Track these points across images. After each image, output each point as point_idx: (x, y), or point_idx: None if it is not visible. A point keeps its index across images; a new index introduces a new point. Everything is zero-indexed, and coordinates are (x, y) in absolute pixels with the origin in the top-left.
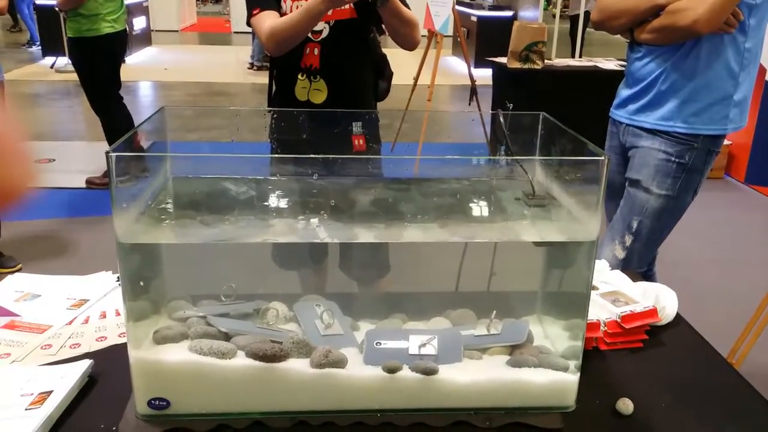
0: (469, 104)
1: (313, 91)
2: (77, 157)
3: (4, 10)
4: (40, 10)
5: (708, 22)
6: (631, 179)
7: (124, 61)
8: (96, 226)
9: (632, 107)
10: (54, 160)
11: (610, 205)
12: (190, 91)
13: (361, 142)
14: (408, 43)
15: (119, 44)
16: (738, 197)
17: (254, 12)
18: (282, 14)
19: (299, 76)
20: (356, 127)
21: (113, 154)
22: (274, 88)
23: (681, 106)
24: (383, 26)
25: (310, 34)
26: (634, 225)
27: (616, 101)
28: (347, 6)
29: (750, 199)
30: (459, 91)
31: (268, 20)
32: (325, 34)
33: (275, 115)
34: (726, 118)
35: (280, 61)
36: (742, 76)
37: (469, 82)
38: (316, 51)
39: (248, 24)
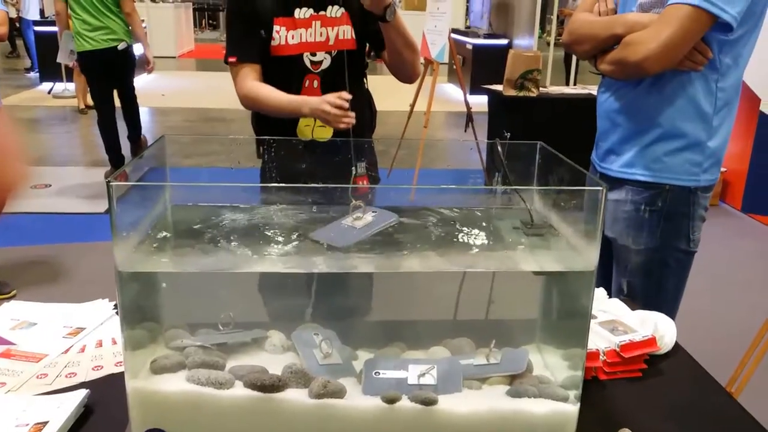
0: (465, 131)
1: (318, 128)
2: (73, 183)
3: (5, 37)
4: (38, 36)
5: (658, 60)
6: (608, 237)
7: (121, 83)
8: (92, 252)
9: (600, 151)
10: (50, 185)
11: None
12: (187, 117)
13: (366, 183)
14: (409, 70)
15: (105, 62)
16: (734, 224)
17: (231, 59)
18: (275, 47)
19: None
20: (360, 168)
21: (114, 183)
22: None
23: (643, 151)
24: (385, 54)
25: (309, 65)
26: (625, 288)
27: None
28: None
29: (746, 226)
30: (455, 118)
31: (249, 79)
32: (325, 65)
33: (274, 147)
34: (698, 167)
35: None
36: (716, 120)
37: (464, 110)
38: (315, 83)
39: (225, 62)
